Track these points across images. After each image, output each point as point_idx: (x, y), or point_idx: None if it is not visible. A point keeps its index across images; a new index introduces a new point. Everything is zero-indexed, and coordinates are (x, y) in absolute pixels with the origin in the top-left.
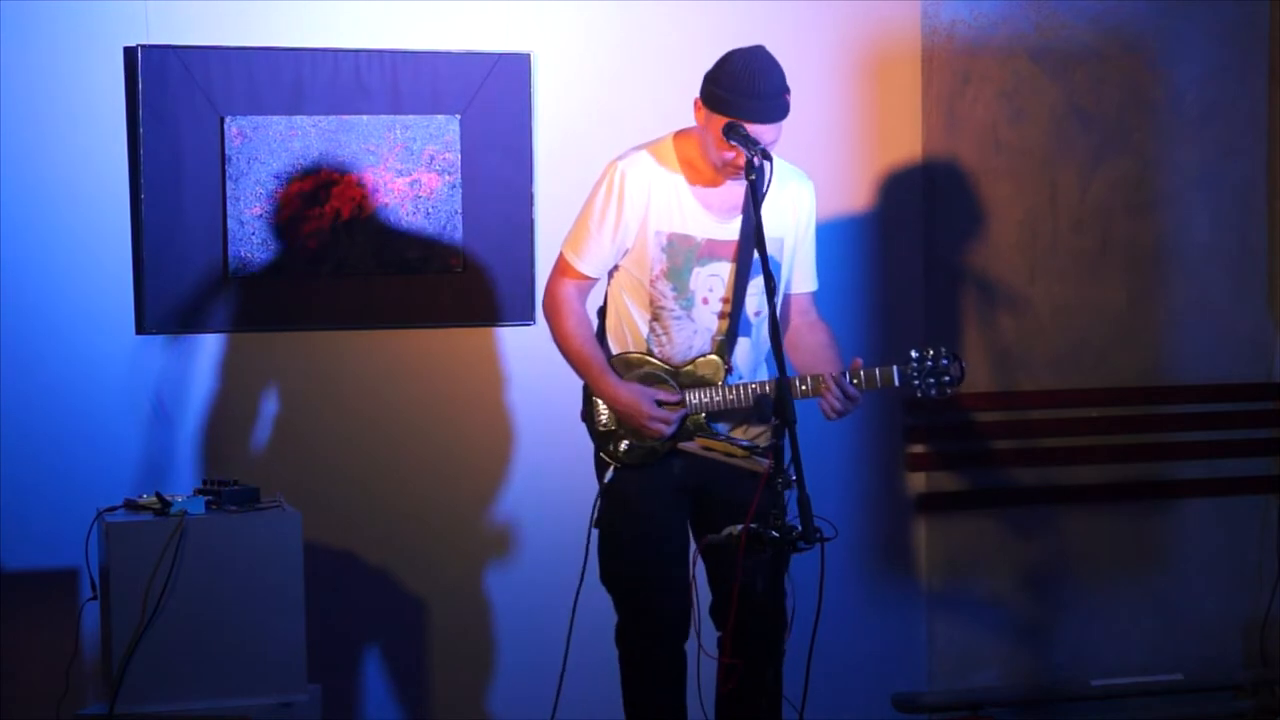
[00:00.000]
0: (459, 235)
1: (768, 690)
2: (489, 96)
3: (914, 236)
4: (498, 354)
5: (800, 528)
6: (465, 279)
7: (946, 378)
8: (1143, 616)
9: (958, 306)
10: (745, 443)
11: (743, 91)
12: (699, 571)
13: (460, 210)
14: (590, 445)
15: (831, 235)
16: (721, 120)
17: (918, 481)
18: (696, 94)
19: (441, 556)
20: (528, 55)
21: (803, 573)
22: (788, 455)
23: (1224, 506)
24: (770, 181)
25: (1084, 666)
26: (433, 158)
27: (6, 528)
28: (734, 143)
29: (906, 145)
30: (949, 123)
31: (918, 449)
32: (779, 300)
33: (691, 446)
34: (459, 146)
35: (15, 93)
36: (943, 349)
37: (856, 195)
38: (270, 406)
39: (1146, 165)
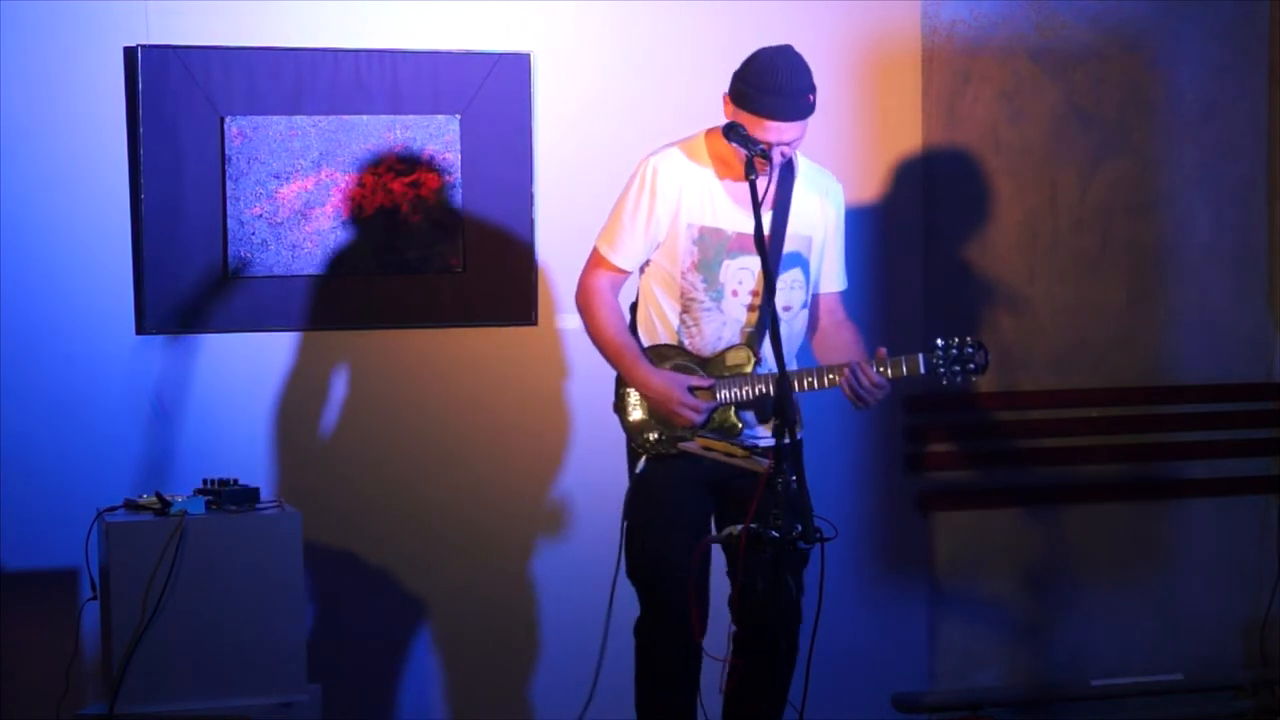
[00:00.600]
0: (459, 235)
1: (770, 690)
2: (489, 96)
3: (914, 236)
4: (498, 354)
5: (800, 527)
6: (465, 279)
7: (971, 365)
8: (1143, 616)
9: (958, 306)
10: (746, 441)
11: (766, 88)
12: (719, 564)
13: (460, 210)
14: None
15: None
16: (748, 117)
17: (918, 481)
18: (725, 91)
19: (442, 556)
20: (528, 55)
21: (803, 573)
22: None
23: (1224, 506)
24: (790, 181)
25: (1084, 666)
26: (433, 158)
27: (6, 528)
28: (733, 143)
29: (907, 145)
30: (949, 122)
31: (918, 449)
32: (809, 297)
33: (692, 447)
34: (459, 146)
35: (15, 93)
36: (968, 337)
37: (857, 195)
38: (270, 406)
39: (1146, 165)
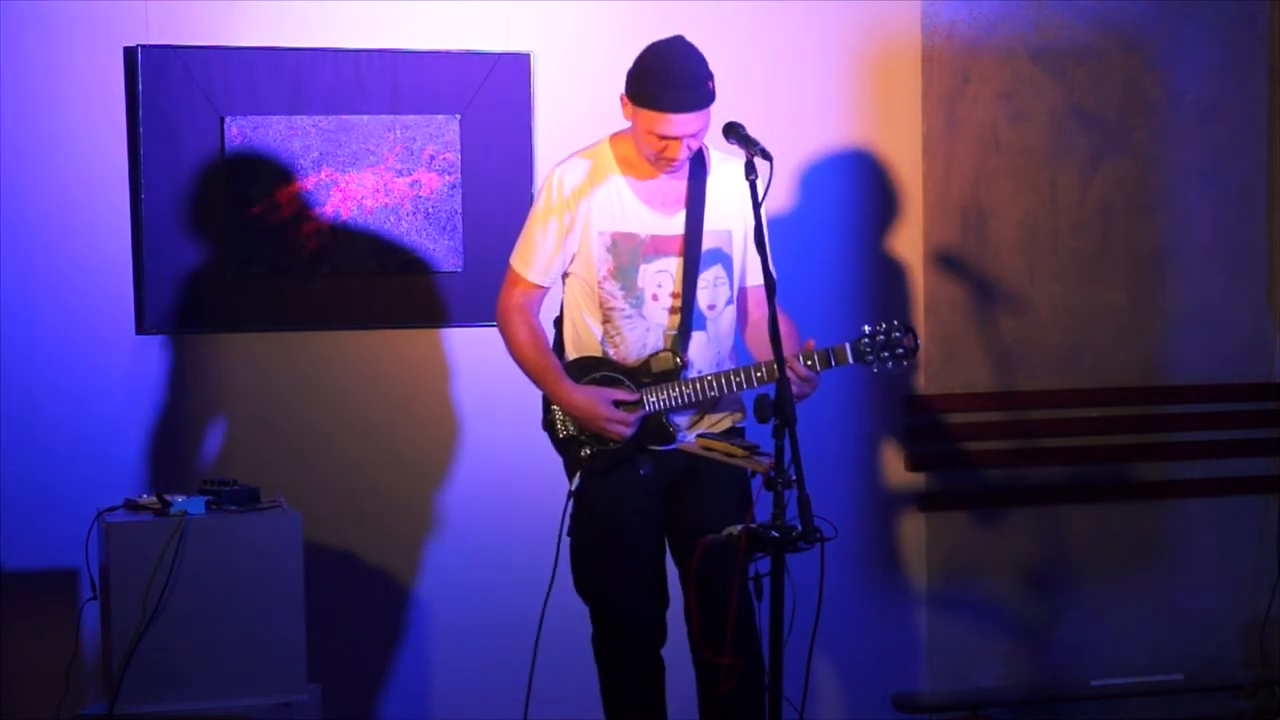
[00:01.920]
0: (459, 235)
1: (755, 689)
2: (489, 96)
3: (914, 236)
4: (498, 354)
5: (800, 527)
6: (465, 279)
7: (900, 350)
8: (1143, 616)
9: (957, 307)
10: (744, 441)
11: (663, 82)
12: (673, 574)
13: (460, 210)
14: None
15: (830, 235)
16: (647, 114)
17: (918, 481)
18: (621, 92)
19: (442, 556)
20: (528, 55)
21: (803, 573)
22: (788, 455)
23: (1224, 506)
24: (703, 176)
25: (1084, 666)
26: (433, 158)
27: (6, 528)
28: (733, 142)
29: (906, 145)
30: (949, 122)
31: (918, 449)
32: (735, 294)
33: (691, 447)
34: (459, 146)
35: (15, 92)
36: (895, 321)
37: (856, 195)
38: (270, 406)
39: (1146, 165)
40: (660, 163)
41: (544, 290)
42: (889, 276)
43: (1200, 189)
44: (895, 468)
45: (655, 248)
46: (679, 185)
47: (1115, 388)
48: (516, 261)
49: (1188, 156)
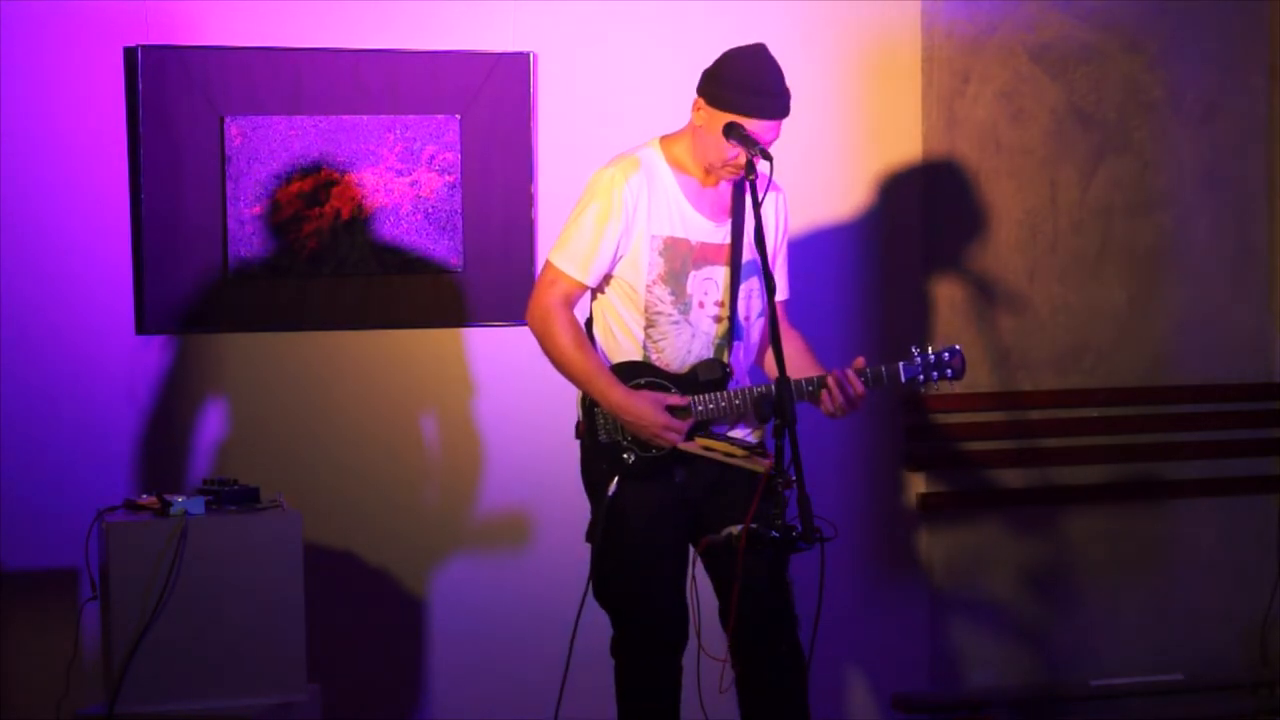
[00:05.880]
0: (459, 235)
1: (786, 700)
2: (489, 96)
3: (914, 237)
4: (498, 354)
5: (800, 528)
6: (465, 279)
7: (949, 371)
8: (1143, 616)
9: (958, 306)
10: (745, 440)
11: (750, 88)
12: (702, 578)
13: (460, 210)
14: None
15: (831, 236)
16: (726, 117)
17: (918, 481)
18: (695, 93)
19: (441, 556)
20: (528, 55)
21: (803, 573)
22: (788, 455)
23: (1224, 506)
24: (770, 181)
25: (1084, 666)
26: (433, 158)
27: (6, 528)
28: (733, 141)
29: (906, 145)
30: (949, 122)
31: (918, 449)
32: (765, 306)
33: (692, 447)
34: (459, 146)
35: (15, 92)
36: (941, 346)
37: (856, 195)
38: (270, 406)
39: (1146, 165)
40: (726, 169)
41: (585, 290)
42: (889, 277)
43: (1200, 189)
44: (895, 468)
45: (704, 255)
46: (725, 194)
47: (1115, 388)
48: (562, 261)
49: (1188, 156)
